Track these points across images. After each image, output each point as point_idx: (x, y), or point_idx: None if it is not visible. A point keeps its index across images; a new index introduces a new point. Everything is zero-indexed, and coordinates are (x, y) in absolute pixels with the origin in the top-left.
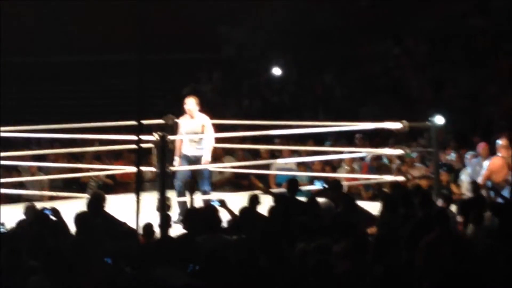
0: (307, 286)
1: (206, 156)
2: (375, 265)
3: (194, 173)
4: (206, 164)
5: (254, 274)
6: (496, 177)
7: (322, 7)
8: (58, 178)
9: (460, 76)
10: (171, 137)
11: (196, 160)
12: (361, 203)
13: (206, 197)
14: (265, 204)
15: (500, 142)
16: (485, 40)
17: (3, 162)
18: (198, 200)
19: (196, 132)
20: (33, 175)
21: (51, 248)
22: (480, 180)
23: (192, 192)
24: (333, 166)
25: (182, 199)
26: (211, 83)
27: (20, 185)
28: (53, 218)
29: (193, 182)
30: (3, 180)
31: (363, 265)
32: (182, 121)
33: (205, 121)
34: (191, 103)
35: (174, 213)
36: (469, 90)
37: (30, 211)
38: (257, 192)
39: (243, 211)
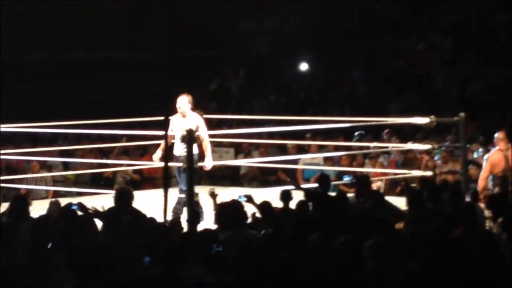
0: (337, 281)
1: (208, 163)
2: (409, 262)
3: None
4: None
5: (283, 269)
6: (495, 170)
7: (348, 3)
8: (85, 173)
9: (486, 71)
10: (198, 133)
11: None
12: (389, 199)
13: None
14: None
15: (497, 135)
16: (511, 35)
17: (32, 158)
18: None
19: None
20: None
21: (77, 243)
22: (481, 174)
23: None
24: (361, 161)
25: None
26: (238, 79)
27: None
28: (80, 213)
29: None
30: (32, 175)
31: (394, 262)
32: (173, 120)
33: (199, 121)
34: (183, 102)
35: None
36: (495, 85)
37: (55, 207)
38: (288, 187)
39: (264, 206)
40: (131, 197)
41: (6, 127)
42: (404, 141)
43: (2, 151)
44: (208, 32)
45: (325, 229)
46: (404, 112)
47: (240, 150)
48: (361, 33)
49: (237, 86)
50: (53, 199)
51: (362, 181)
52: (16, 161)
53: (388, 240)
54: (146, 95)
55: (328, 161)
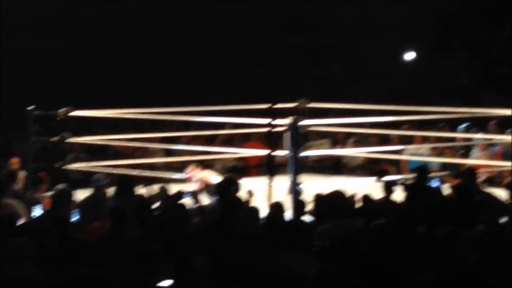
0: (439, 273)
1: None
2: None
3: None
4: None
5: (385, 260)
6: None
7: None
8: (190, 160)
9: None
10: (303, 122)
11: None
12: (495, 191)
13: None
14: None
15: None
16: None
17: (133, 144)
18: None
19: None
20: None
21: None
22: None
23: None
24: (466, 152)
25: None
26: (341, 67)
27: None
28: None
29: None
30: (138, 161)
31: (497, 255)
32: None
33: None
34: None
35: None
36: None
37: (163, 192)
38: (390, 178)
39: (364, 198)
40: (235, 186)
41: (112, 113)
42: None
43: (108, 137)
44: (312, 17)
45: (429, 221)
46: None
47: (336, 141)
48: (463, 23)
49: (340, 74)
50: (161, 185)
51: (467, 174)
52: (122, 146)
53: (490, 233)
54: (250, 82)
55: (433, 151)
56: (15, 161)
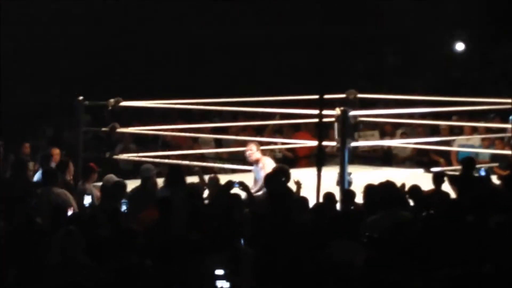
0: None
1: None
2: None
3: None
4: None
5: (433, 250)
6: None
7: None
8: (238, 151)
9: None
10: (353, 112)
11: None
12: None
13: None
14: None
15: None
16: None
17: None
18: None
19: None
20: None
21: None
22: None
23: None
24: None
25: None
26: (391, 58)
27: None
28: (242, 191)
29: None
30: (186, 152)
31: None
32: None
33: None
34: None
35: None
36: None
37: (214, 183)
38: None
39: (413, 189)
40: (286, 176)
41: (161, 103)
42: None
43: (158, 127)
44: (361, 8)
45: (478, 211)
46: None
47: (385, 132)
48: None
49: (390, 64)
50: (212, 175)
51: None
52: (171, 136)
53: None
54: (299, 72)
55: (484, 142)
56: (56, 152)
